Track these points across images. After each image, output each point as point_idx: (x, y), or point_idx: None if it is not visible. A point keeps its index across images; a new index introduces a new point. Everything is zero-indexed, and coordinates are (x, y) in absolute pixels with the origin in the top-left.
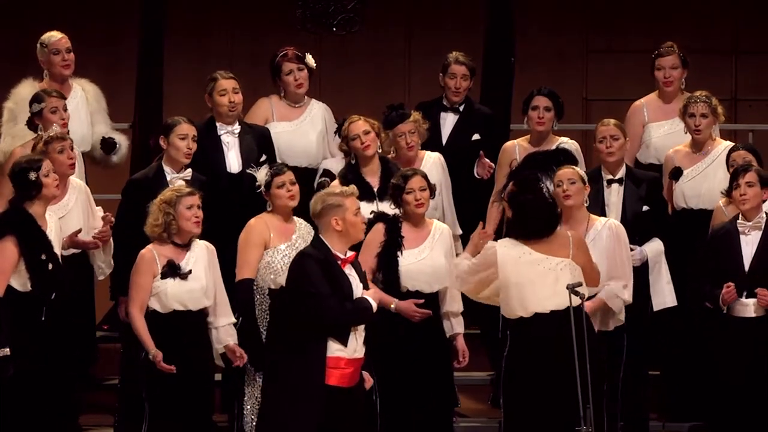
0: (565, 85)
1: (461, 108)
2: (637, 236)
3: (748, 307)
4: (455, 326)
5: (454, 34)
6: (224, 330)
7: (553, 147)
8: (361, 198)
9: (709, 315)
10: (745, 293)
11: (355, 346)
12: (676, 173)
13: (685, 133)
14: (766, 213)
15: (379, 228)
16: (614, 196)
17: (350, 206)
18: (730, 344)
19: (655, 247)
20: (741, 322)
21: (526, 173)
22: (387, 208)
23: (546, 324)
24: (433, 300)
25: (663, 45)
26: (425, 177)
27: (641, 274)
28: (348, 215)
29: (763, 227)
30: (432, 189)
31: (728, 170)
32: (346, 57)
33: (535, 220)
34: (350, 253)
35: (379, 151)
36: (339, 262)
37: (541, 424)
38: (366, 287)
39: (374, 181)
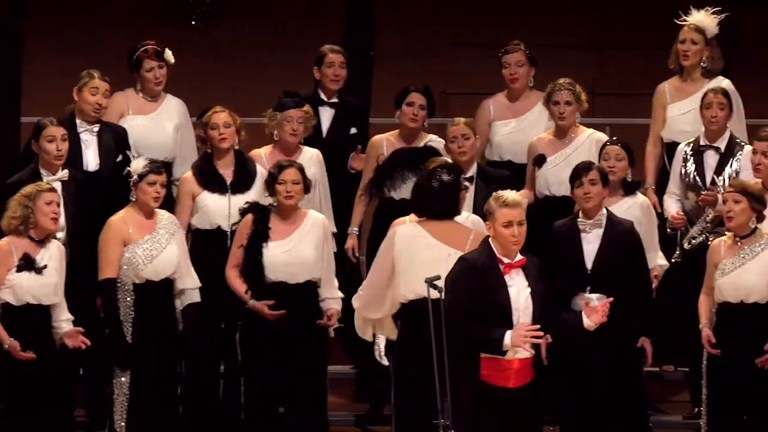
0: (424, 78)
1: (337, 100)
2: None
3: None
4: (331, 304)
5: (314, 27)
6: (63, 324)
7: (422, 144)
8: (212, 190)
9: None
10: (588, 289)
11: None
12: (540, 160)
13: (549, 119)
14: (606, 210)
15: (248, 219)
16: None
17: (499, 217)
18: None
19: None
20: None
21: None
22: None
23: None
24: (302, 291)
25: (511, 42)
26: (301, 170)
27: None
28: (497, 225)
29: (604, 225)
30: (307, 184)
31: (599, 161)
32: (206, 50)
33: (433, 201)
34: (519, 258)
35: (237, 147)
36: (501, 266)
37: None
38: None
39: (227, 174)
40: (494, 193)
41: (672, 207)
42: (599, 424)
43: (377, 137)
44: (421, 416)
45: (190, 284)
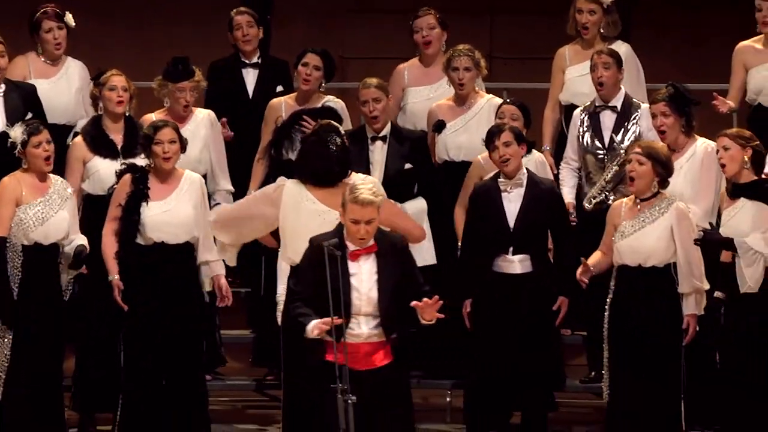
0: (322, 43)
1: (259, 60)
2: (399, 194)
3: (514, 264)
4: (215, 269)
5: None
6: None
7: (319, 105)
8: (103, 155)
9: (476, 272)
10: (511, 249)
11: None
12: (439, 126)
13: (448, 85)
14: (526, 169)
15: (126, 179)
16: (378, 153)
17: (349, 212)
18: (495, 300)
19: (417, 205)
20: (506, 279)
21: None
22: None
23: None
24: (181, 251)
25: (420, 8)
26: (176, 129)
27: None
28: (346, 218)
29: (524, 184)
30: (183, 143)
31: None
32: (106, 15)
33: (318, 163)
34: (369, 244)
35: (127, 113)
36: (347, 252)
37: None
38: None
39: (117, 139)
40: (351, 185)
41: (567, 183)
42: (512, 387)
43: (275, 100)
44: (310, 381)
45: (80, 240)
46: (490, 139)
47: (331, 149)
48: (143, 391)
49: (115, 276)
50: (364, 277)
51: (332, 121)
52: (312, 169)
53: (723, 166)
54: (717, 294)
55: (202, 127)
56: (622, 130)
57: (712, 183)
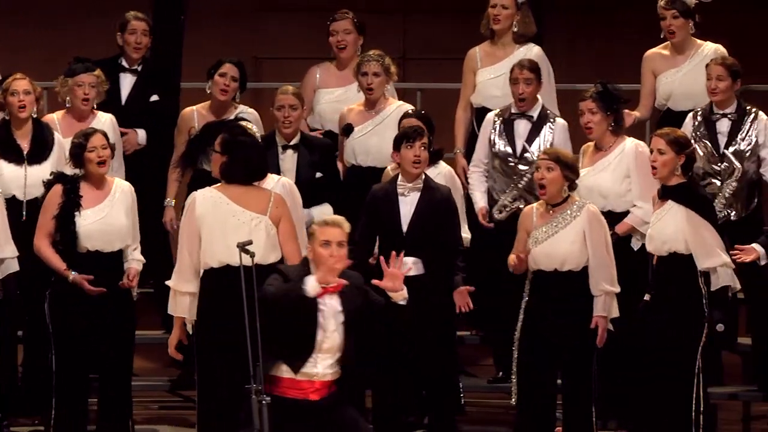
0: (235, 43)
1: (139, 68)
2: (309, 202)
3: (406, 267)
4: (132, 264)
5: None
6: None
7: (233, 116)
8: (9, 159)
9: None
10: (403, 252)
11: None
12: (347, 129)
13: (358, 91)
14: (425, 175)
15: (57, 189)
16: (288, 162)
17: (319, 235)
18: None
19: (323, 211)
20: None
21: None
22: None
23: (236, 277)
24: (116, 259)
25: (339, 11)
26: (105, 135)
27: None
28: (316, 245)
29: (422, 189)
30: (112, 148)
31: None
32: (17, 15)
33: (244, 164)
34: (334, 283)
35: (35, 115)
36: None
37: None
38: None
39: (25, 144)
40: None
41: (478, 188)
42: (413, 385)
43: (188, 109)
44: (227, 384)
45: (9, 253)
46: (410, 137)
47: (245, 151)
48: (74, 396)
49: (71, 273)
50: (329, 314)
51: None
52: (247, 162)
53: (654, 168)
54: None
55: (106, 128)
56: (536, 139)
57: (652, 180)
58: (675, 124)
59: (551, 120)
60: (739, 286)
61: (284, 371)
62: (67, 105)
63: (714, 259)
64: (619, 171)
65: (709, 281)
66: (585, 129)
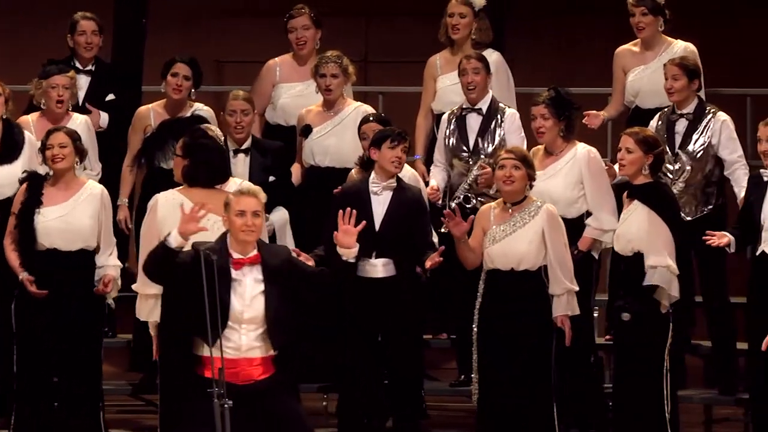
0: (197, 47)
1: (93, 68)
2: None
3: (377, 268)
4: (108, 270)
5: None
6: None
7: (188, 114)
8: None
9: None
10: (374, 253)
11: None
12: (306, 130)
13: (317, 92)
14: (398, 176)
15: (22, 188)
16: (240, 166)
17: (234, 205)
18: (361, 304)
19: (280, 216)
20: (370, 283)
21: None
22: None
23: None
24: (75, 258)
25: (294, 7)
26: (70, 134)
27: None
28: (231, 214)
29: (395, 188)
30: (78, 148)
31: (360, 140)
32: None
33: (206, 167)
34: (253, 254)
35: (4, 116)
36: (231, 261)
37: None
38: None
39: None
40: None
41: (434, 179)
42: (378, 388)
43: (143, 108)
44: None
45: None
46: (397, 139)
47: (207, 153)
48: (37, 397)
49: (22, 272)
50: (248, 284)
51: (212, 127)
52: (209, 165)
53: (622, 166)
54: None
55: (80, 131)
56: (488, 133)
57: (606, 185)
58: (644, 122)
59: (501, 112)
60: (677, 295)
61: (211, 350)
62: (42, 107)
63: (659, 258)
64: (571, 177)
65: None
66: (536, 133)
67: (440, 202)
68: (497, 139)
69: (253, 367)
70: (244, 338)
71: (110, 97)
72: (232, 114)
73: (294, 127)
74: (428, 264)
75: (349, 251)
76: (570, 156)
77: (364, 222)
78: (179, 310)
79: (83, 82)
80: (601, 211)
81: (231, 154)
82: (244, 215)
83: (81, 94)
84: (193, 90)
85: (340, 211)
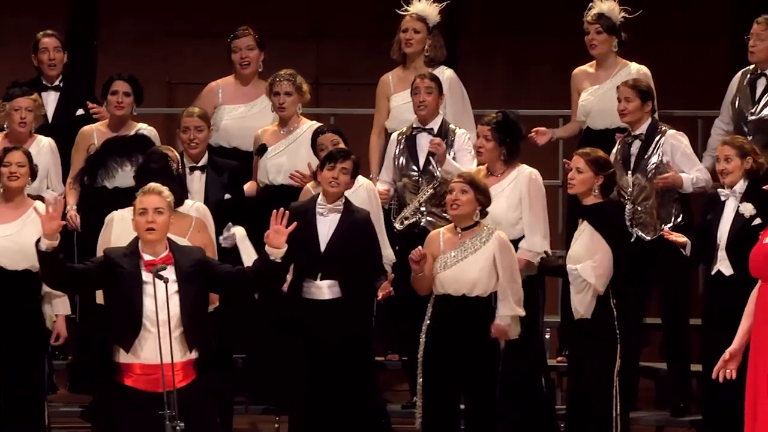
0: (148, 68)
1: (61, 84)
2: (220, 223)
3: (322, 290)
4: (57, 307)
5: (36, 19)
6: None
7: (132, 132)
8: None
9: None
10: (320, 275)
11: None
12: (261, 149)
13: (272, 111)
14: (345, 197)
15: None
16: (196, 183)
17: (137, 204)
18: (305, 326)
19: (239, 231)
20: (316, 304)
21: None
22: None
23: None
24: (19, 279)
25: (239, 28)
26: (27, 154)
27: None
28: (135, 214)
29: (342, 210)
30: (33, 169)
31: (315, 153)
32: None
33: (173, 187)
34: (164, 254)
35: None
36: (142, 263)
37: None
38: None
39: None
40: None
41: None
42: (331, 409)
43: (87, 127)
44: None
45: None
46: (333, 158)
47: (177, 173)
48: None
49: None
50: (160, 287)
51: (170, 149)
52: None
53: (571, 185)
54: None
55: (44, 154)
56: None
57: (543, 209)
58: (595, 143)
59: (452, 132)
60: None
61: (128, 356)
62: (5, 129)
63: (588, 274)
64: (513, 198)
65: (620, 305)
66: (476, 151)
67: (387, 206)
68: (448, 156)
69: (174, 372)
70: (161, 342)
71: (80, 112)
72: (186, 131)
73: (235, 148)
74: (380, 295)
75: (277, 251)
76: (512, 177)
77: (295, 223)
78: (98, 316)
79: (52, 99)
80: (535, 235)
81: (187, 171)
82: (146, 213)
83: (50, 112)
84: (135, 106)
85: (274, 211)
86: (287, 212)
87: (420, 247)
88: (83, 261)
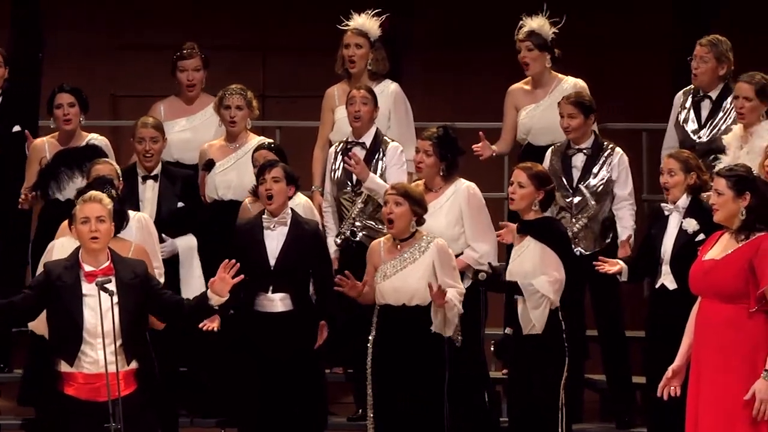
0: (93, 81)
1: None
2: (172, 232)
3: (275, 302)
4: None
5: None
6: None
7: (83, 143)
8: None
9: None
10: (271, 288)
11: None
12: (209, 165)
13: (220, 125)
14: (291, 209)
15: None
16: (149, 192)
17: (78, 213)
18: (259, 338)
19: (187, 242)
20: (268, 318)
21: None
22: None
23: None
24: None
25: (184, 46)
26: None
27: None
28: (77, 224)
29: (288, 223)
30: None
31: (254, 170)
32: None
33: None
34: (105, 265)
35: None
36: (82, 273)
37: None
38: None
39: None
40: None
41: (330, 232)
42: (276, 422)
43: (38, 140)
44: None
45: None
46: (261, 171)
47: (117, 195)
48: None
49: None
50: (102, 298)
51: (104, 175)
52: None
53: (512, 200)
54: (507, 330)
55: None
56: (370, 166)
57: (487, 221)
58: (536, 159)
59: (384, 144)
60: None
61: (70, 366)
62: None
63: (546, 288)
64: (452, 214)
65: (567, 318)
66: (415, 166)
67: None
68: (378, 172)
69: (113, 383)
70: (101, 353)
71: (16, 128)
72: (141, 141)
73: (178, 162)
74: (318, 342)
75: (217, 298)
76: (450, 192)
77: (242, 276)
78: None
79: None
80: (478, 243)
81: (140, 180)
82: (88, 222)
83: None
84: (82, 116)
85: (225, 260)
86: (237, 264)
87: (340, 275)
88: (23, 288)
